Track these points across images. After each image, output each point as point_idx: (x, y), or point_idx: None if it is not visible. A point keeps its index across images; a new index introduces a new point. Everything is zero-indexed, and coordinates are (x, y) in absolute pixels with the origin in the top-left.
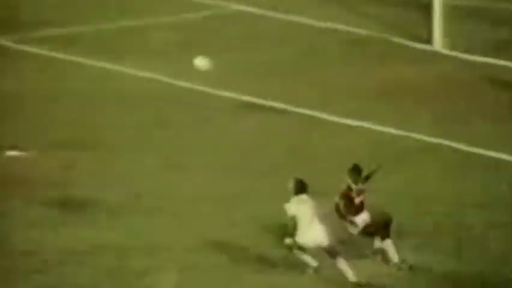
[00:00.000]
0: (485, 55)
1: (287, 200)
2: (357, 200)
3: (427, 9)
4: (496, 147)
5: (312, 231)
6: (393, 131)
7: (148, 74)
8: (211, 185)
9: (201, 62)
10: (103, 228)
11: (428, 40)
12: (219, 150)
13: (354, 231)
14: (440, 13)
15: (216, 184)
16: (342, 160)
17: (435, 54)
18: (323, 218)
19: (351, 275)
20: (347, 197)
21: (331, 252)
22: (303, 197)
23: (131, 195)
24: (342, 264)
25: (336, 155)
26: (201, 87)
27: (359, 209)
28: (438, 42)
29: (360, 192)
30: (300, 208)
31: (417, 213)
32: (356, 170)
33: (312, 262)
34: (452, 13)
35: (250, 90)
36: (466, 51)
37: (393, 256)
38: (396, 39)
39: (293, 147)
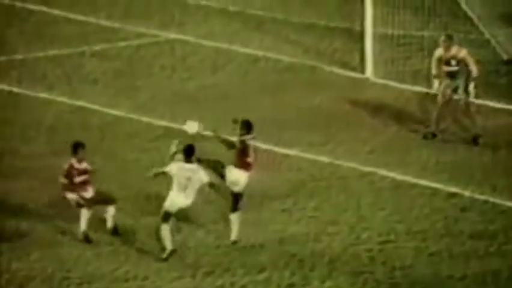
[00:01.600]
0: (416, 83)
1: None
2: None
3: (359, 37)
4: (429, 175)
5: (178, 198)
6: (325, 159)
7: (80, 103)
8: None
9: (190, 126)
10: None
11: (360, 68)
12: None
13: None
14: (372, 42)
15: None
16: (276, 188)
17: (367, 83)
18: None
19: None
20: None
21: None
22: (187, 166)
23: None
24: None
25: (269, 182)
26: (133, 116)
27: None
28: (370, 71)
29: None
30: (178, 173)
31: (352, 242)
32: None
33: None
34: (384, 42)
35: (183, 118)
36: (397, 79)
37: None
38: (329, 68)
39: None
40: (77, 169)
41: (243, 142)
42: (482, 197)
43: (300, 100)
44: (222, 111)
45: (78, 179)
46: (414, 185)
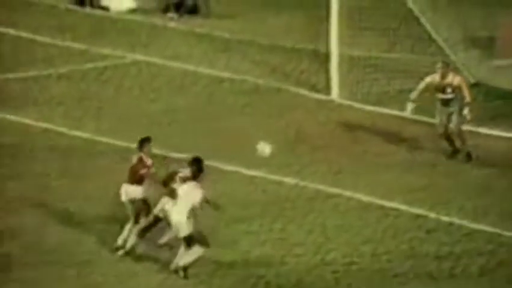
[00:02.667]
0: (382, 105)
1: None
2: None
3: (325, 59)
4: (394, 197)
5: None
6: (292, 180)
7: (46, 125)
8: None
9: (263, 148)
10: None
11: (326, 90)
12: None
13: None
14: (337, 63)
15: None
16: (242, 210)
17: (333, 104)
18: None
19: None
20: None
21: None
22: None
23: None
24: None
25: (236, 204)
26: (99, 138)
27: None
28: (335, 92)
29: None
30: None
31: (317, 263)
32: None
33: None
34: (349, 63)
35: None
36: (363, 101)
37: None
38: (295, 89)
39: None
40: (144, 164)
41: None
42: (448, 219)
43: (266, 121)
44: (188, 133)
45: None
46: (380, 207)
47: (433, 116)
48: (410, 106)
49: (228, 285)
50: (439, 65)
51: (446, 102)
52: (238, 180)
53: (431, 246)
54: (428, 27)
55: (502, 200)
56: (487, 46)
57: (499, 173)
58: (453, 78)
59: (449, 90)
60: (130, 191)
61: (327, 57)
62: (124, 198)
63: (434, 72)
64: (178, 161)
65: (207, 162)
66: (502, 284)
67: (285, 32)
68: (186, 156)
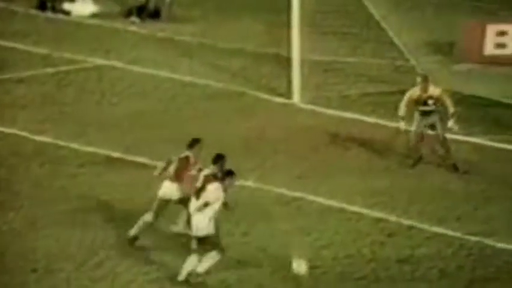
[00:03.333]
0: (343, 109)
1: None
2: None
3: (286, 63)
4: (355, 200)
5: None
6: (254, 184)
7: (8, 129)
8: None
9: (300, 265)
10: None
11: (287, 94)
12: (82, 206)
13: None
14: (299, 67)
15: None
16: None
17: (294, 108)
18: None
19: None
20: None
21: None
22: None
23: None
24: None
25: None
26: (61, 142)
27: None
28: (297, 96)
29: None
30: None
31: (279, 267)
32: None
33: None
34: (311, 67)
35: (112, 144)
36: (324, 105)
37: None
38: (256, 93)
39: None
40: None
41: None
42: (409, 222)
43: (228, 126)
44: (150, 137)
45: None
46: (341, 210)
47: (394, 120)
48: (402, 123)
49: None
50: (419, 79)
51: (426, 113)
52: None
53: (391, 250)
54: (389, 31)
55: (462, 204)
56: (448, 51)
57: (459, 176)
58: (433, 91)
59: (430, 102)
60: (171, 190)
61: (288, 61)
62: (161, 194)
63: (395, 76)
64: (140, 164)
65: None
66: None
67: (247, 36)
68: (147, 160)
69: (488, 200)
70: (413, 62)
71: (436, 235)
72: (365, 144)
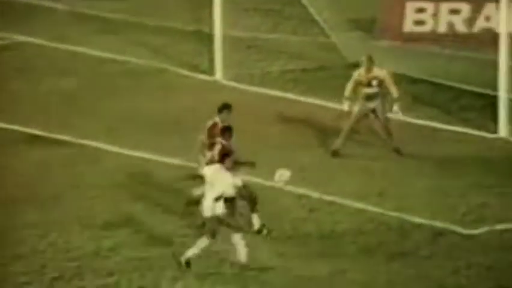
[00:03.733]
0: (265, 86)
1: None
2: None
3: (208, 40)
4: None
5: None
6: (177, 162)
7: None
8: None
9: (282, 174)
10: None
11: (210, 71)
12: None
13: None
14: (221, 44)
15: None
16: (129, 190)
17: (216, 85)
18: None
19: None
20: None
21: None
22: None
23: None
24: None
25: (119, 187)
26: None
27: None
28: (219, 73)
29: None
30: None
31: None
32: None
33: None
34: (233, 44)
35: (31, 122)
36: (247, 82)
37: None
38: (178, 70)
39: (78, 178)
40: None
41: None
42: (330, 198)
43: (150, 102)
44: (71, 115)
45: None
46: (263, 187)
47: (315, 97)
48: (345, 104)
49: (110, 267)
50: (363, 59)
51: (370, 97)
52: (121, 161)
53: (313, 226)
54: (310, 8)
55: (382, 180)
56: (368, 28)
57: (382, 154)
58: (378, 72)
59: (374, 83)
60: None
61: (210, 38)
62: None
63: (316, 53)
64: (60, 141)
65: (89, 143)
66: (382, 262)
67: (168, 13)
68: (67, 137)
69: (408, 176)
70: (334, 38)
71: (357, 211)
72: (287, 120)
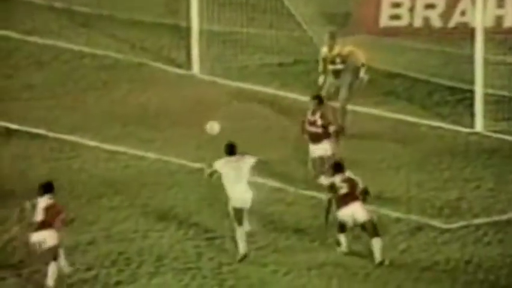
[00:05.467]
0: (242, 80)
1: None
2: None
3: (185, 34)
4: (255, 171)
5: (237, 191)
6: (154, 155)
7: None
8: None
9: (212, 126)
10: None
11: (187, 65)
12: None
13: None
14: (198, 38)
15: None
16: (103, 186)
17: (194, 79)
18: None
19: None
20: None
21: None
22: (231, 158)
23: None
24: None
25: (97, 180)
26: None
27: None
28: (196, 67)
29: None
30: (225, 167)
31: (179, 238)
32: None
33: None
34: (210, 38)
35: (9, 116)
36: (223, 76)
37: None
38: (155, 64)
39: (53, 172)
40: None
41: None
42: (308, 192)
43: (127, 97)
44: (48, 109)
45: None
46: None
47: (292, 90)
48: (320, 78)
49: (88, 261)
50: (327, 35)
51: (336, 74)
52: (99, 156)
53: (291, 220)
54: (286, 2)
55: (357, 173)
56: (344, 22)
57: (365, 146)
58: (341, 49)
59: (338, 60)
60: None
61: (187, 32)
62: None
63: (292, 47)
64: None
65: (66, 138)
66: (360, 255)
67: (145, 7)
68: (43, 131)
69: (385, 169)
70: (310, 33)
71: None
72: (263, 114)
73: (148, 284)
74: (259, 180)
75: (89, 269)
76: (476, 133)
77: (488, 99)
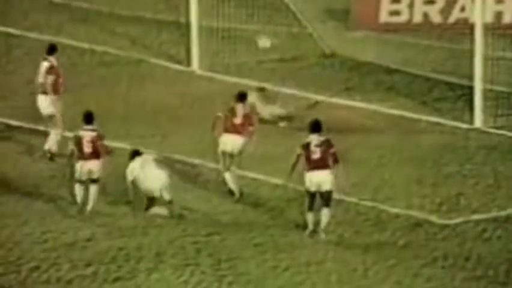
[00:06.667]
0: (241, 76)
1: None
2: None
3: (185, 30)
4: (253, 166)
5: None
6: (153, 151)
7: None
8: None
9: (264, 42)
10: None
11: (186, 61)
12: None
13: None
14: (197, 35)
15: None
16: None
17: (193, 75)
18: None
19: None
20: None
21: None
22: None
23: None
24: None
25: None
26: None
27: None
28: (195, 64)
29: None
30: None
31: (178, 234)
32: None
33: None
34: (209, 35)
35: (10, 112)
36: (223, 72)
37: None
38: (155, 60)
39: (53, 170)
40: None
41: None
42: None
43: (127, 93)
44: None
45: None
46: (241, 177)
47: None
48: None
49: (88, 257)
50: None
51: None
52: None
53: (291, 215)
54: None
55: (356, 170)
56: (342, 18)
57: (365, 142)
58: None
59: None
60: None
61: (187, 28)
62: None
63: (291, 43)
64: (38, 132)
65: (66, 134)
66: (359, 252)
67: (145, 3)
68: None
69: (384, 166)
70: (309, 29)
71: (335, 201)
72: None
73: (147, 279)
74: (259, 176)
75: (88, 265)
76: (476, 129)
77: (487, 95)
